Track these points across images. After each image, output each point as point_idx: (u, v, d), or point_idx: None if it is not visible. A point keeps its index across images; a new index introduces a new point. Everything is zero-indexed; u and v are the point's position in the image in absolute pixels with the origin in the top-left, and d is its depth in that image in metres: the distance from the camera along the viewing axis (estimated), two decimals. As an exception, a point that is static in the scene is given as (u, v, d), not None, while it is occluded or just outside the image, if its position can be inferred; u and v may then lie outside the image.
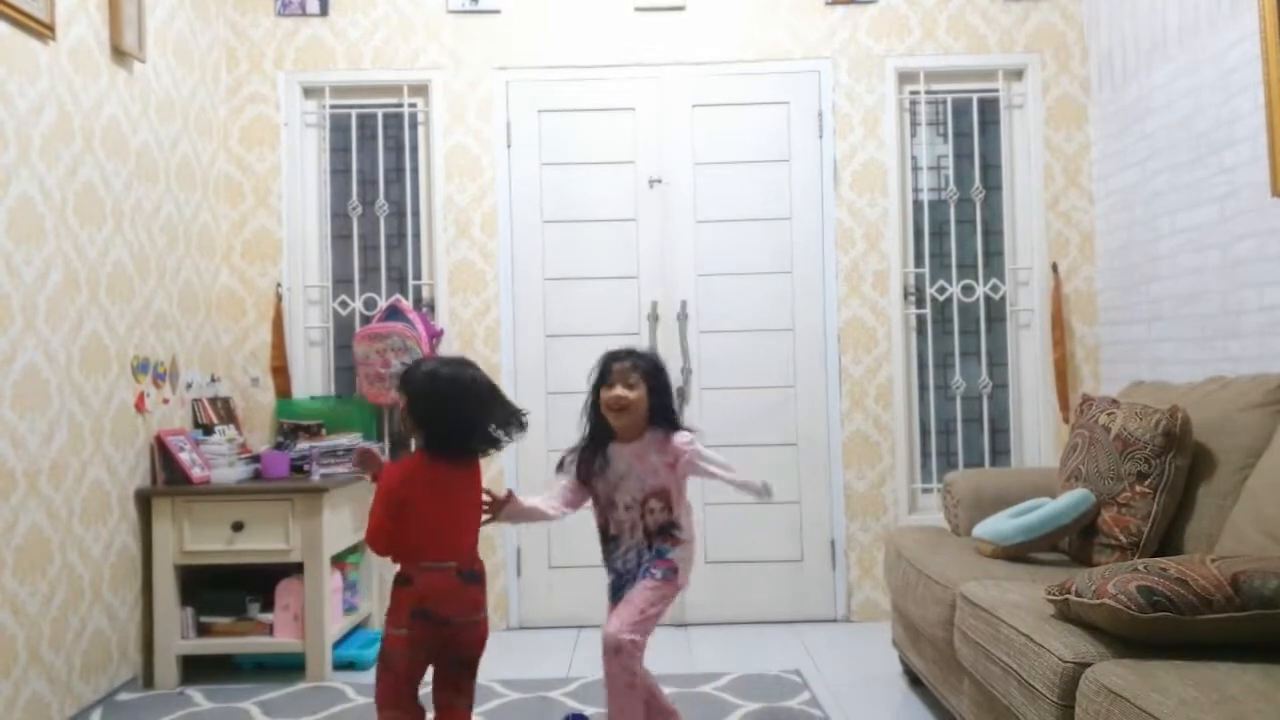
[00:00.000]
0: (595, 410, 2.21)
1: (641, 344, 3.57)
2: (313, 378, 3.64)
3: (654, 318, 3.59)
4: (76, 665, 2.63)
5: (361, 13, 3.62)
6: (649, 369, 2.18)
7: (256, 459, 3.19)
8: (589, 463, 2.21)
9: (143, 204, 3.03)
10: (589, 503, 2.27)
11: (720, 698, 2.70)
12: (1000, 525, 2.44)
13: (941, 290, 3.66)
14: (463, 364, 2.05)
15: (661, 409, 2.18)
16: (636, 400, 2.15)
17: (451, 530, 2.02)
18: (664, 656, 3.15)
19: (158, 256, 3.11)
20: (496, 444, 2.06)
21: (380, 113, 3.69)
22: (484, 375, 2.05)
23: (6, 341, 2.39)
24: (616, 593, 2.18)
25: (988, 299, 3.66)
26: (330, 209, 3.71)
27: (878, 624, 3.40)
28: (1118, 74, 3.38)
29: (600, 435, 2.21)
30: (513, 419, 2.05)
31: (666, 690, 2.74)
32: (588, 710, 2.60)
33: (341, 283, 3.70)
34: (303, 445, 3.22)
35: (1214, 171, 2.80)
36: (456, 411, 1.98)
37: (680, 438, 2.16)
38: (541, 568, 3.56)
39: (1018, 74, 3.65)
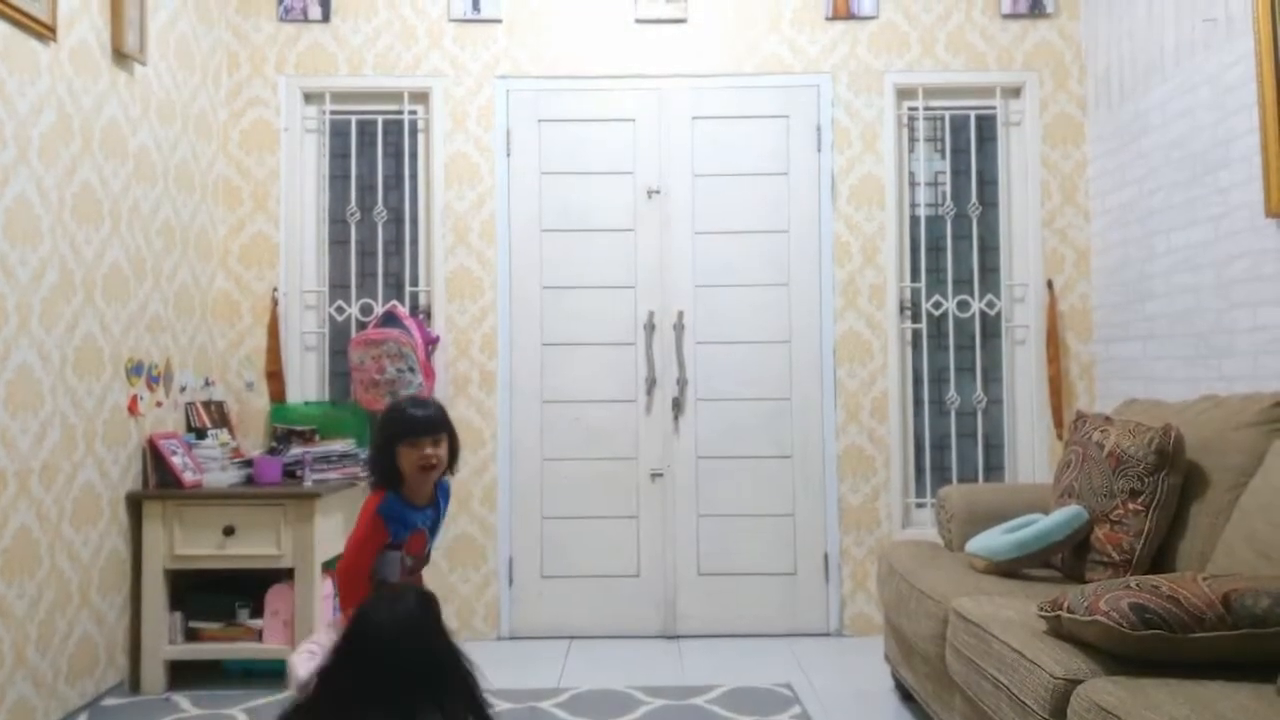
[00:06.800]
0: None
1: (638, 353, 3.58)
2: (307, 383, 3.63)
3: (650, 327, 3.59)
4: (63, 669, 2.61)
5: (364, 19, 3.63)
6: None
7: (249, 463, 3.18)
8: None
9: (140, 206, 3.03)
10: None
11: (711, 711, 2.69)
12: (993, 541, 2.44)
13: (937, 305, 3.67)
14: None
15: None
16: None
17: None
18: (655, 668, 3.14)
19: (154, 259, 3.11)
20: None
21: (380, 119, 3.70)
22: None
23: (0, 341, 2.38)
24: None
25: (983, 314, 3.67)
26: (328, 214, 3.72)
27: (870, 638, 3.39)
28: (1115, 93, 3.40)
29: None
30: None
31: (657, 703, 2.74)
32: (578, 721, 2.59)
33: (338, 288, 3.70)
34: (296, 450, 3.21)
35: (1209, 191, 2.81)
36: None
37: None
38: (533, 577, 3.55)
39: (1015, 91, 3.67)
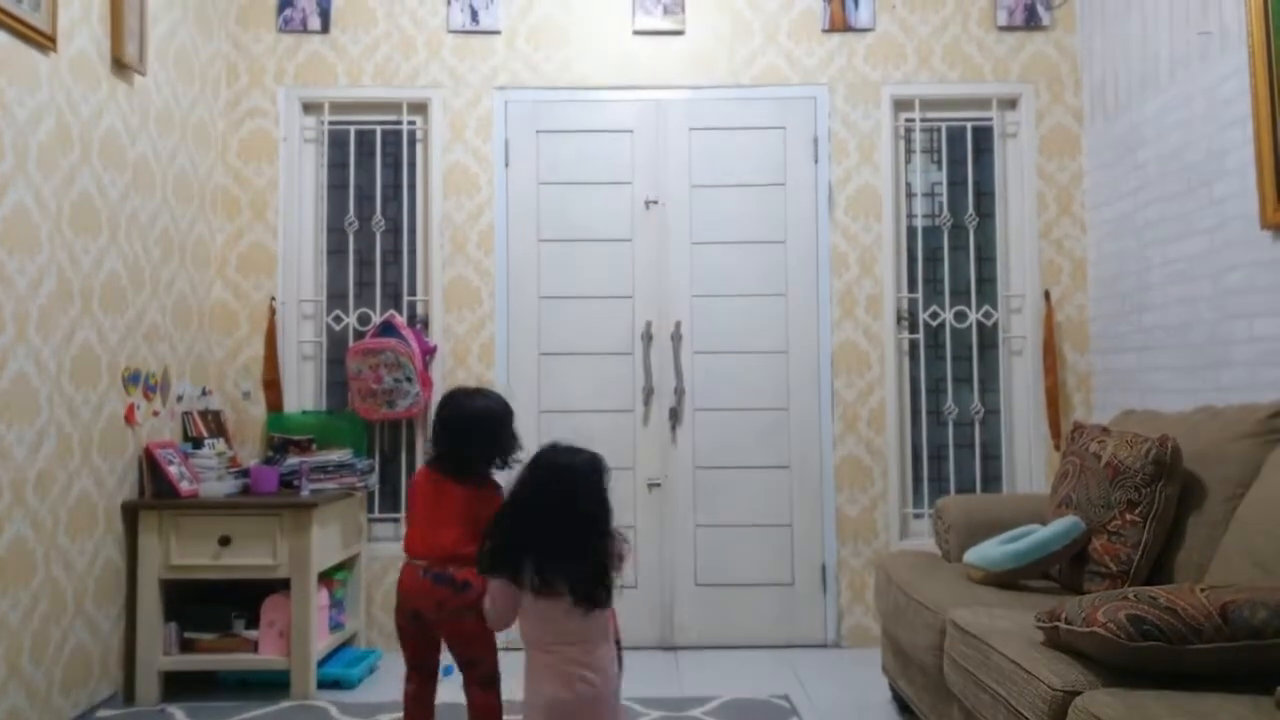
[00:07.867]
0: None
1: (635, 364, 3.58)
2: (305, 392, 3.62)
3: (648, 337, 3.59)
4: (57, 680, 2.60)
5: (363, 30, 3.65)
6: None
7: (246, 473, 3.17)
8: None
9: (139, 215, 3.03)
10: None
11: (708, 722, 2.68)
12: (991, 551, 2.44)
13: (934, 316, 3.67)
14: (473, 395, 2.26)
15: None
16: None
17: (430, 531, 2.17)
18: (652, 680, 3.13)
19: (152, 268, 3.11)
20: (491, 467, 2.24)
21: (379, 129, 3.71)
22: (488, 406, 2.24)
23: (-3, 350, 2.38)
24: None
25: (980, 325, 3.67)
26: (326, 224, 3.72)
27: (868, 649, 3.38)
28: (1110, 105, 3.42)
29: None
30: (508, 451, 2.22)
31: (654, 714, 2.73)
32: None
33: (336, 298, 3.70)
34: (293, 460, 3.20)
35: (1204, 203, 2.82)
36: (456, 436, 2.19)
37: None
38: (530, 587, 3.53)
39: (1011, 103, 3.68)
